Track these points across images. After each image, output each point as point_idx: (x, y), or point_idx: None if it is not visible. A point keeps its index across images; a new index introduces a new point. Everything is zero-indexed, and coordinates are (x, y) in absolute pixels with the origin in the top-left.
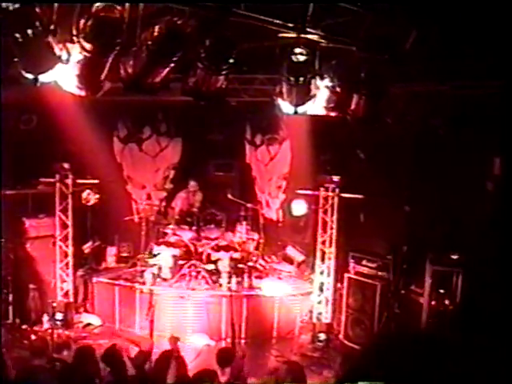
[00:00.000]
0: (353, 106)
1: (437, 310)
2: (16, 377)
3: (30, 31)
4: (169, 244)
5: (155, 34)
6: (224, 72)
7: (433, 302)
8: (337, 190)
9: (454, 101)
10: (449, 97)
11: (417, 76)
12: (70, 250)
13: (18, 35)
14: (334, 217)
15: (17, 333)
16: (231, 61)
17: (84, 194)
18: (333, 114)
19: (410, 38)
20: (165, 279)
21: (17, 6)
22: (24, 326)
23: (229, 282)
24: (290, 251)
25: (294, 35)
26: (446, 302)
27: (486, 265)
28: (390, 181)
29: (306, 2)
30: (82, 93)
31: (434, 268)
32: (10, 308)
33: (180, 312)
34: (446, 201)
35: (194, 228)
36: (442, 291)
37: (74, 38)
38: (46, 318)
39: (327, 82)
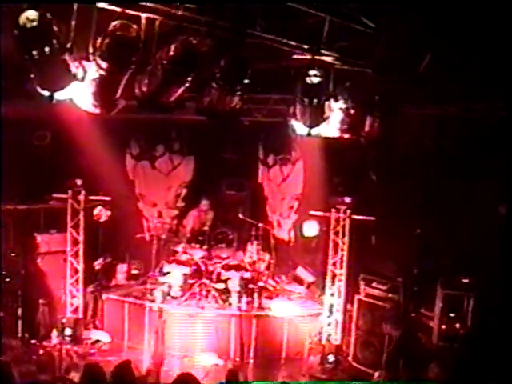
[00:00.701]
0: (366, 128)
1: (447, 333)
2: None
3: (46, 49)
4: (179, 262)
5: (171, 53)
6: (238, 92)
7: (443, 326)
8: (348, 212)
9: (466, 123)
10: (461, 119)
11: (429, 98)
12: (81, 266)
13: (34, 52)
14: (346, 238)
15: (25, 347)
16: (246, 81)
17: (96, 211)
18: (346, 135)
19: (423, 61)
20: (175, 297)
21: (34, 23)
22: (33, 341)
23: (239, 302)
24: (301, 272)
25: (308, 57)
26: (457, 325)
27: (497, 289)
28: (402, 203)
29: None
30: (97, 110)
31: (445, 292)
32: (20, 322)
33: (189, 331)
34: (458, 224)
35: (204, 247)
36: (452, 315)
37: (90, 56)
38: (55, 333)
39: (341, 103)
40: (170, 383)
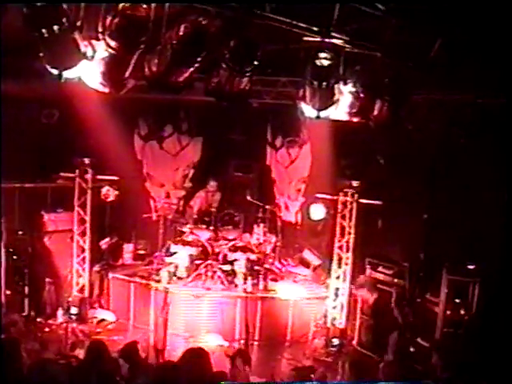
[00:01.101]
0: (375, 112)
1: (452, 319)
2: (28, 369)
3: (56, 27)
4: (186, 243)
5: (180, 33)
6: (248, 73)
7: (448, 312)
8: (356, 196)
9: (477, 110)
10: (471, 106)
11: (440, 84)
12: (87, 246)
13: (44, 31)
14: (352, 222)
15: (31, 325)
16: (255, 62)
17: (103, 190)
18: (355, 119)
19: (434, 46)
20: (180, 278)
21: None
22: (39, 319)
23: (244, 284)
24: (307, 255)
25: (318, 39)
26: (462, 311)
27: (502, 275)
28: (409, 188)
29: (332, 3)
30: (106, 90)
31: (451, 277)
32: (26, 300)
33: (194, 311)
34: (465, 210)
35: (211, 228)
36: (457, 301)
37: (100, 36)
38: (60, 312)
39: (351, 87)
40: (181, 356)
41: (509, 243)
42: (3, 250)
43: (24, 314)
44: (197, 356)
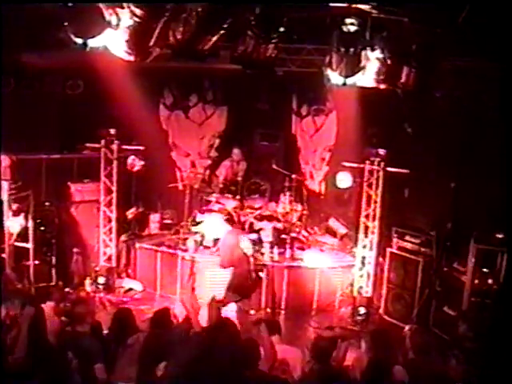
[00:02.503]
0: (403, 79)
1: (479, 289)
2: (57, 339)
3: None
4: (212, 212)
5: None
6: (274, 40)
7: (476, 281)
8: (382, 164)
9: (505, 77)
10: (499, 73)
11: (468, 51)
12: (114, 216)
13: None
14: (379, 191)
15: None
16: (281, 29)
17: (129, 160)
18: (382, 86)
19: (462, 11)
20: (207, 247)
21: None
22: (67, 289)
23: (271, 252)
24: (333, 224)
25: (345, 5)
26: (490, 281)
27: None
28: (437, 156)
29: None
30: (131, 58)
31: (479, 246)
32: (54, 271)
33: (221, 280)
34: (493, 179)
35: (237, 197)
36: (485, 270)
37: (124, 4)
38: (88, 281)
39: (378, 53)
40: (208, 326)
41: None
42: (31, 222)
43: (52, 283)
44: (224, 325)
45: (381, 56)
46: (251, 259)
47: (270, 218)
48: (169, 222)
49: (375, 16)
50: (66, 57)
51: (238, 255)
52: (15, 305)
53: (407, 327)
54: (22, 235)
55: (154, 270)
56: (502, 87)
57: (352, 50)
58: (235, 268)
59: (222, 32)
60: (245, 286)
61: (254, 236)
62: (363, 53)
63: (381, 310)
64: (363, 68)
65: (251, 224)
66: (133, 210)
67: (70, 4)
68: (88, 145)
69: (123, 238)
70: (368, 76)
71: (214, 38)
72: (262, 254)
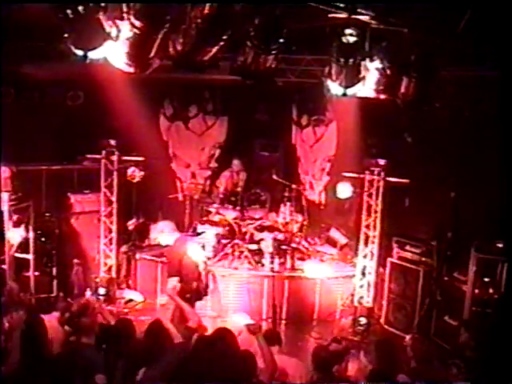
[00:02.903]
0: (402, 89)
1: (480, 298)
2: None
3: (80, 8)
4: (212, 223)
5: (205, 11)
6: (273, 51)
7: (476, 291)
8: (382, 174)
9: (505, 86)
10: (499, 82)
11: (467, 60)
12: (114, 226)
13: (68, 11)
14: (379, 200)
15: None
16: (281, 40)
17: (129, 171)
18: (382, 96)
19: (461, 21)
20: (207, 258)
21: None
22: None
23: (271, 263)
24: (334, 234)
25: (344, 16)
26: (491, 290)
27: None
28: (437, 166)
29: None
30: (131, 70)
31: (479, 256)
32: (54, 282)
33: (221, 291)
34: (493, 188)
35: (237, 208)
36: (486, 279)
37: (124, 15)
38: (88, 292)
39: (377, 63)
40: (208, 336)
41: None
42: (31, 233)
43: (53, 294)
44: (224, 336)
45: (380, 66)
46: (202, 265)
47: (270, 229)
48: None
49: (374, 27)
50: (66, 68)
51: (186, 263)
52: (19, 315)
53: (408, 337)
54: (23, 246)
55: (155, 281)
56: (502, 96)
57: (351, 60)
58: (184, 276)
59: (221, 43)
60: (193, 294)
61: (254, 247)
62: (363, 63)
63: (382, 320)
64: (363, 78)
65: (252, 235)
66: (133, 220)
67: (70, 15)
68: (88, 156)
69: (123, 248)
70: (368, 86)
71: (214, 50)
72: (263, 265)
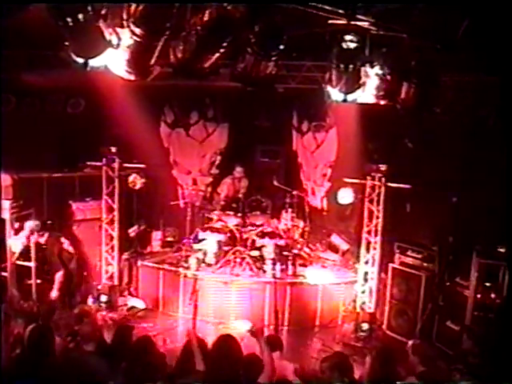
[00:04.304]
0: (402, 95)
1: (482, 303)
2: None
3: (81, 16)
4: (214, 230)
5: (205, 18)
6: (273, 58)
7: (478, 296)
8: (383, 180)
9: (504, 91)
10: (499, 87)
11: (467, 66)
12: (116, 234)
13: (69, 19)
14: (380, 206)
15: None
16: (281, 47)
17: (130, 178)
18: (382, 102)
19: (461, 27)
20: (209, 265)
21: None
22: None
23: (273, 269)
24: (335, 240)
25: (344, 22)
26: (492, 295)
27: None
28: (438, 171)
29: None
30: (132, 77)
31: (481, 261)
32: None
33: (223, 298)
34: (495, 192)
35: (239, 214)
36: (488, 284)
37: (125, 23)
38: (90, 300)
39: (377, 69)
40: (212, 344)
41: None
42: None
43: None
44: (227, 342)
45: (380, 72)
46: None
47: (271, 235)
48: (171, 239)
49: (374, 33)
50: (67, 76)
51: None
52: (19, 323)
53: (410, 342)
54: (24, 254)
55: (157, 288)
56: (502, 102)
57: (351, 66)
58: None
59: (221, 50)
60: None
61: (256, 253)
62: (363, 69)
63: (384, 326)
64: (363, 84)
65: (253, 241)
66: (135, 227)
67: (70, 23)
68: (89, 163)
69: (125, 255)
70: (368, 92)
71: (214, 56)
72: (265, 271)
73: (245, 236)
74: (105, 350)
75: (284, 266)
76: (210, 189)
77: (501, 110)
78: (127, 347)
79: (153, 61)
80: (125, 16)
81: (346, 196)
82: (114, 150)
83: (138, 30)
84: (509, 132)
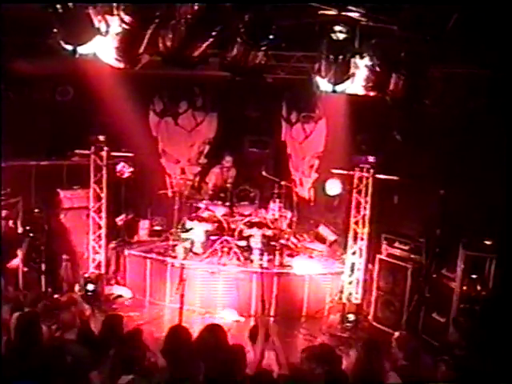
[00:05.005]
0: (391, 86)
1: (468, 295)
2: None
3: (70, 3)
4: (201, 219)
5: (195, 7)
6: (263, 48)
7: (464, 288)
8: (371, 171)
9: (494, 84)
10: (488, 80)
11: (457, 58)
12: (103, 222)
13: (58, 6)
14: (368, 197)
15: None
16: (270, 37)
17: (118, 167)
18: (371, 93)
19: (451, 19)
20: (196, 254)
21: None
22: (56, 296)
23: (260, 259)
24: (323, 230)
25: (334, 13)
26: (478, 287)
27: None
28: (426, 163)
29: None
30: (121, 65)
31: (467, 253)
32: (43, 277)
33: (210, 287)
34: (482, 185)
35: (227, 204)
36: (474, 277)
37: (114, 11)
38: (77, 288)
39: (367, 60)
40: (198, 333)
41: None
42: (20, 228)
43: (41, 290)
44: (213, 332)
45: (370, 63)
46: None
47: (259, 225)
48: (158, 228)
49: (364, 24)
50: (55, 63)
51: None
52: (4, 311)
53: (396, 334)
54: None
55: (144, 277)
56: (492, 94)
57: (341, 57)
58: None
59: (211, 39)
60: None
61: (243, 243)
62: (352, 60)
63: (370, 317)
64: (352, 75)
65: (241, 231)
66: (122, 216)
67: (60, 10)
68: (77, 151)
69: (112, 244)
70: (357, 83)
71: (204, 46)
72: (252, 261)
73: (232, 226)
74: (91, 339)
75: (271, 256)
76: (198, 178)
77: (491, 103)
78: (116, 336)
79: (142, 49)
80: (114, 3)
81: (333, 187)
82: (102, 138)
83: (127, 18)
84: (499, 125)
